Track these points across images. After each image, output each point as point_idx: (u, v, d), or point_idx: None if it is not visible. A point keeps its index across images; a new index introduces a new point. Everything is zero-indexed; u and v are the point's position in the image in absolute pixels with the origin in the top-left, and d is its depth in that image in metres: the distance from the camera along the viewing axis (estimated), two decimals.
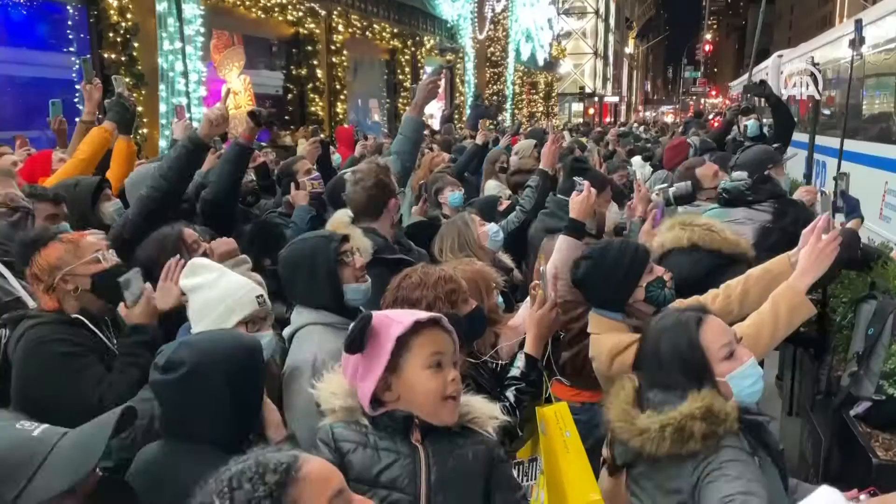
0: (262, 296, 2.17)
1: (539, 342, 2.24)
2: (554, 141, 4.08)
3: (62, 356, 2.17)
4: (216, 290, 2.13)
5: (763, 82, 6.28)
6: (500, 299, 2.59)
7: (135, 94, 7.81)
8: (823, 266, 2.23)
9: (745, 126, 6.53)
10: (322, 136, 5.19)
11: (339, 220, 3.15)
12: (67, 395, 2.12)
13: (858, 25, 5.90)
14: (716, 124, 11.77)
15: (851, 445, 2.65)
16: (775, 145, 5.04)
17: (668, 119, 44.11)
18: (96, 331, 2.31)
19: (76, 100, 7.76)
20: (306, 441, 2.13)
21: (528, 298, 2.55)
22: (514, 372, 2.18)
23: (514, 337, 2.43)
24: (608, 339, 2.36)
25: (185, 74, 8.58)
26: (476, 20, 20.92)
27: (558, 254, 2.72)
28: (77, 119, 4.25)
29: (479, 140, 6.25)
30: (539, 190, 3.90)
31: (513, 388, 2.15)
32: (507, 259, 3.49)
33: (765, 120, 8.54)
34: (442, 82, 19.45)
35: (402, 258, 2.92)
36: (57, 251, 2.30)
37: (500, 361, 2.32)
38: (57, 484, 1.10)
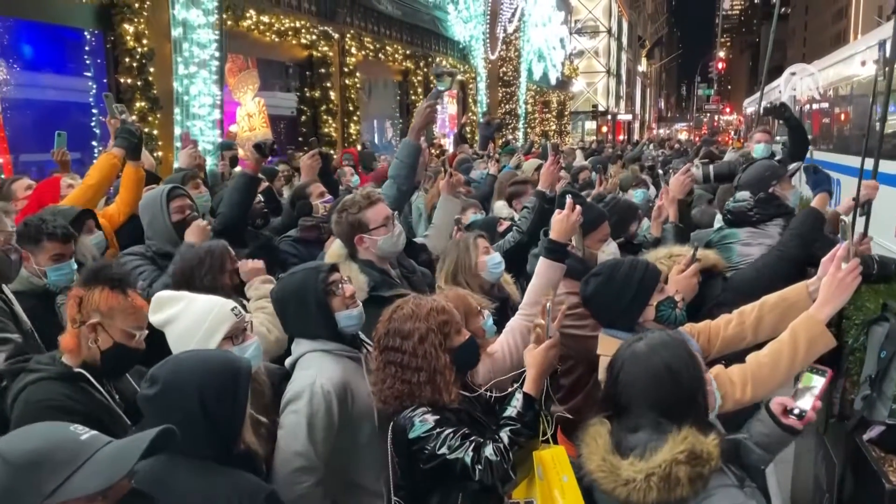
0: (235, 307, 2.20)
1: (539, 381, 2.15)
2: (553, 162, 3.89)
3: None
4: (190, 315, 2.15)
5: (784, 105, 6.28)
6: (490, 322, 2.55)
7: (150, 118, 7.95)
8: (845, 296, 2.21)
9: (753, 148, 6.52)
10: (321, 148, 5.24)
11: (335, 252, 3.07)
12: None
13: (882, 46, 5.87)
14: (728, 140, 11.74)
15: (865, 470, 2.60)
16: (778, 158, 4.93)
17: (682, 136, 44.04)
18: (99, 387, 2.20)
19: (92, 123, 7.92)
20: (284, 463, 2.18)
21: (508, 325, 2.53)
22: (510, 412, 2.10)
23: (490, 364, 2.39)
24: None
25: (217, 86, 8.69)
26: (488, 41, 21.06)
27: (537, 279, 2.61)
28: (93, 143, 4.32)
29: (492, 170, 6.51)
30: (536, 211, 3.76)
31: (507, 428, 2.05)
32: (507, 282, 3.41)
33: (779, 137, 8.51)
34: (451, 105, 19.47)
35: (399, 294, 2.85)
36: (114, 301, 2.20)
37: (494, 394, 2.27)
38: (91, 485, 1.24)
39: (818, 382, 1.86)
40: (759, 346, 2.32)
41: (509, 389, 2.27)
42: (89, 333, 2.18)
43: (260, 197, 4.37)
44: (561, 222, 2.64)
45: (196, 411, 1.73)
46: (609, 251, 3.11)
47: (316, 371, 2.26)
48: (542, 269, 2.62)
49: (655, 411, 1.80)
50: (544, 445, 2.13)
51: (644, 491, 1.68)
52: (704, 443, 1.71)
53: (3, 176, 6.74)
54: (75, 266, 2.92)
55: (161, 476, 1.68)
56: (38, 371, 2.16)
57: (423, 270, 3.27)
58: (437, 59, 17.46)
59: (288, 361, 2.41)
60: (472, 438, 2.01)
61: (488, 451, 1.97)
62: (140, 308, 2.28)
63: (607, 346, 2.40)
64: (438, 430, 2.01)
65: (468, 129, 17.20)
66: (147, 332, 2.29)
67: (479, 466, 1.95)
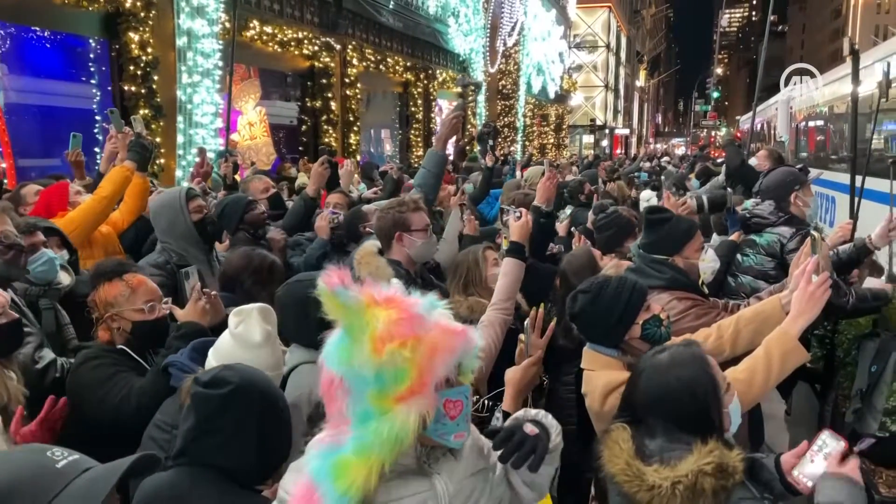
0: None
1: (517, 399, 2.16)
2: (550, 177, 3.88)
3: (93, 368, 2.39)
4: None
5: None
6: None
7: (153, 126, 8.02)
8: (816, 310, 2.25)
9: None
10: (330, 156, 5.31)
11: (368, 249, 3.18)
12: (94, 400, 2.34)
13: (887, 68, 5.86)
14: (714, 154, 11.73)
15: None
16: (799, 166, 4.89)
17: (679, 151, 44.26)
18: (140, 360, 2.49)
19: (95, 130, 7.99)
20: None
21: (484, 320, 2.58)
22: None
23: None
24: (602, 375, 2.34)
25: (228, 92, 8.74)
26: (488, 54, 21.22)
27: (504, 277, 2.70)
28: (95, 149, 4.36)
29: (489, 162, 6.55)
30: (532, 225, 3.84)
31: None
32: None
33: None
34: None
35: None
36: (115, 290, 2.49)
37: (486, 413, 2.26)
38: None
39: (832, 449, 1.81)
40: (737, 360, 2.37)
41: (483, 398, 2.28)
42: (112, 323, 2.48)
43: (262, 207, 4.27)
44: (521, 227, 2.83)
45: (255, 422, 1.72)
46: (708, 258, 3.16)
47: (312, 383, 2.28)
48: (508, 267, 2.74)
49: (668, 421, 1.85)
50: None
51: (668, 498, 1.72)
52: (730, 457, 1.76)
53: (5, 181, 6.80)
54: (52, 254, 2.99)
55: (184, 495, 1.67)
56: (89, 347, 2.49)
57: (441, 286, 3.31)
58: (460, 74, 17.66)
59: (284, 370, 2.42)
60: None
61: None
62: (140, 285, 2.53)
63: (592, 361, 2.43)
64: None
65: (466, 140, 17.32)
66: (168, 299, 2.61)
67: None
